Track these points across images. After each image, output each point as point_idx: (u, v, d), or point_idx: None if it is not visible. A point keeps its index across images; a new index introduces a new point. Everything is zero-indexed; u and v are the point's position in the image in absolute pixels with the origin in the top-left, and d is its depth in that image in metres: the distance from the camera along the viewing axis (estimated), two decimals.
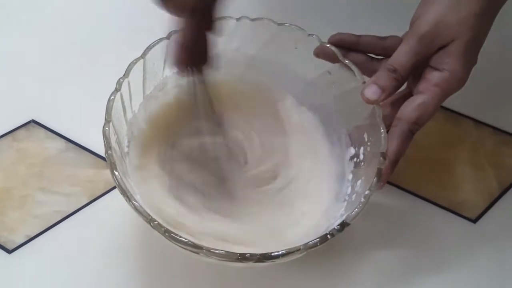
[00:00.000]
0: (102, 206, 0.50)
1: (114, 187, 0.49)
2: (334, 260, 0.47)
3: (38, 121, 0.56)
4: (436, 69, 0.47)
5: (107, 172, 0.43)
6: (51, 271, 0.46)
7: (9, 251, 0.47)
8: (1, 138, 0.54)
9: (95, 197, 0.50)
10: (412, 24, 0.48)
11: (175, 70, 0.48)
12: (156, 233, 0.42)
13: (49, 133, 0.55)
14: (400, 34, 0.50)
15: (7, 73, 0.61)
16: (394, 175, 0.47)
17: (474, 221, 0.51)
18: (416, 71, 0.48)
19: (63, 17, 0.66)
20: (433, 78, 0.47)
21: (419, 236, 0.50)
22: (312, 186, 0.49)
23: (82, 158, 0.53)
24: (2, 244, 0.47)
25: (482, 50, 0.48)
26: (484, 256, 0.49)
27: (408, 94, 0.49)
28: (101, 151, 0.44)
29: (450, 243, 0.49)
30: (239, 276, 0.46)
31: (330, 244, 0.42)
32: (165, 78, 0.50)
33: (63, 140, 0.54)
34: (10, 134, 0.55)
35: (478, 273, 0.48)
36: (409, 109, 0.46)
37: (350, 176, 0.48)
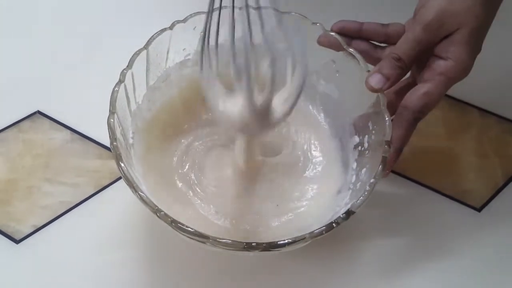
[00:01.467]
0: (109, 196, 0.50)
1: (120, 178, 0.49)
2: (339, 248, 0.47)
3: (43, 112, 0.56)
4: (440, 57, 0.47)
5: (113, 162, 0.43)
6: (58, 261, 0.47)
7: (17, 241, 0.47)
8: (7, 129, 0.55)
9: (101, 187, 0.51)
10: (416, 12, 0.48)
11: None
12: (162, 223, 0.42)
13: (55, 124, 0.55)
14: (402, 21, 0.50)
15: (12, 65, 0.61)
16: (398, 164, 0.47)
17: (479, 209, 0.51)
18: (420, 60, 0.48)
19: (68, 9, 0.66)
20: (438, 66, 0.47)
21: (424, 225, 0.50)
22: (316, 175, 0.49)
23: (88, 148, 0.53)
24: (9, 234, 0.48)
25: (486, 38, 0.48)
26: (489, 244, 0.49)
27: (412, 83, 0.49)
28: (107, 142, 0.44)
29: (455, 232, 0.49)
30: (245, 263, 0.46)
31: (335, 232, 0.42)
32: (168, 69, 0.51)
33: (68, 131, 0.55)
34: (15, 125, 0.55)
35: (483, 261, 0.48)
36: (414, 97, 0.46)
37: (355, 165, 0.48)
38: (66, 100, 0.57)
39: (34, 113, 0.56)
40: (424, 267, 0.47)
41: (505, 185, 0.52)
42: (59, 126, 0.55)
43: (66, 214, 0.49)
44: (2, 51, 0.62)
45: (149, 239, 0.48)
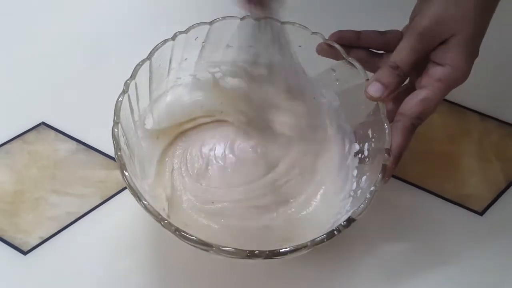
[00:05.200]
0: (115, 206, 0.51)
1: (126, 187, 0.50)
2: (341, 253, 0.48)
3: (48, 124, 0.56)
4: (438, 64, 0.47)
5: (119, 172, 0.44)
6: (66, 272, 0.47)
7: (25, 253, 0.48)
8: (12, 141, 0.55)
9: (107, 197, 0.51)
10: (411, 19, 0.48)
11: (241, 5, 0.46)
12: (168, 232, 0.42)
13: (60, 135, 0.56)
14: (400, 28, 0.50)
15: (17, 76, 0.61)
16: (400, 169, 0.47)
17: (481, 213, 0.51)
18: (418, 66, 0.48)
19: (71, 20, 0.67)
20: (435, 73, 0.47)
21: (426, 230, 0.50)
22: (317, 181, 0.50)
23: (93, 159, 0.54)
24: (17, 246, 0.48)
25: (485, 43, 0.48)
26: (492, 248, 0.49)
27: (411, 88, 0.49)
28: (112, 152, 0.45)
29: (457, 236, 0.50)
30: (249, 270, 0.47)
31: (338, 238, 0.43)
32: (171, 79, 0.51)
33: (74, 142, 0.55)
34: (20, 137, 0.55)
35: (485, 265, 0.48)
36: (412, 104, 0.47)
37: (355, 172, 0.48)
38: (70, 111, 0.58)
39: (39, 125, 0.56)
40: (426, 272, 0.47)
41: (506, 188, 0.53)
42: (64, 137, 0.55)
43: (73, 225, 0.49)
44: (6, 63, 0.62)
45: (156, 248, 0.48)
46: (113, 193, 0.51)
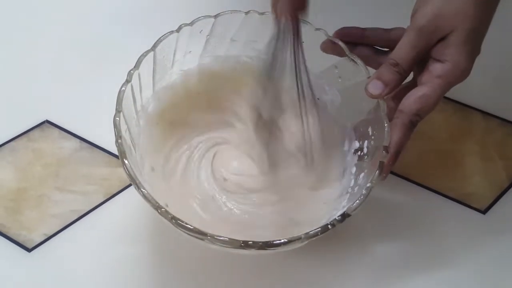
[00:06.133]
0: (118, 204, 0.51)
1: (130, 185, 0.50)
2: (341, 251, 0.48)
3: (52, 121, 0.57)
4: (438, 60, 0.47)
5: (122, 170, 0.44)
6: (70, 269, 0.47)
7: (29, 250, 0.48)
8: (17, 139, 0.55)
9: (111, 195, 0.51)
10: (412, 16, 0.48)
11: (274, 14, 0.47)
12: (172, 228, 0.42)
13: (63, 133, 0.56)
14: (405, 26, 0.50)
15: (20, 74, 0.61)
16: (402, 167, 0.48)
17: (484, 212, 0.51)
18: (421, 62, 0.48)
19: (74, 17, 0.67)
20: (435, 69, 0.47)
21: (428, 228, 0.50)
22: (315, 178, 0.50)
23: (97, 157, 0.54)
24: (21, 243, 0.48)
25: (487, 41, 0.48)
26: (494, 246, 0.49)
27: (413, 86, 0.48)
28: (115, 149, 0.45)
29: (460, 234, 0.50)
30: (246, 261, 0.47)
31: (339, 235, 0.43)
32: (175, 70, 0.51)
33: (77, 140, 0.55)
34: (25, 135, 0.56)
35: (488, 263, 0.48)
36: (410, 101, 0.46)
37: (354, 169, 0.48)
38: (74, 109, 0.58)
39: (43, 123, 0.57)
40: (428, 270, 0.47)
41: (509, 187, 0.53)
42: (67, 135, 0.56)
43: (77, 222, 0.50)
44: (9, 62, 0.63)
45: (160, 245, 0.48)
46: (116, 190, 0.51)
